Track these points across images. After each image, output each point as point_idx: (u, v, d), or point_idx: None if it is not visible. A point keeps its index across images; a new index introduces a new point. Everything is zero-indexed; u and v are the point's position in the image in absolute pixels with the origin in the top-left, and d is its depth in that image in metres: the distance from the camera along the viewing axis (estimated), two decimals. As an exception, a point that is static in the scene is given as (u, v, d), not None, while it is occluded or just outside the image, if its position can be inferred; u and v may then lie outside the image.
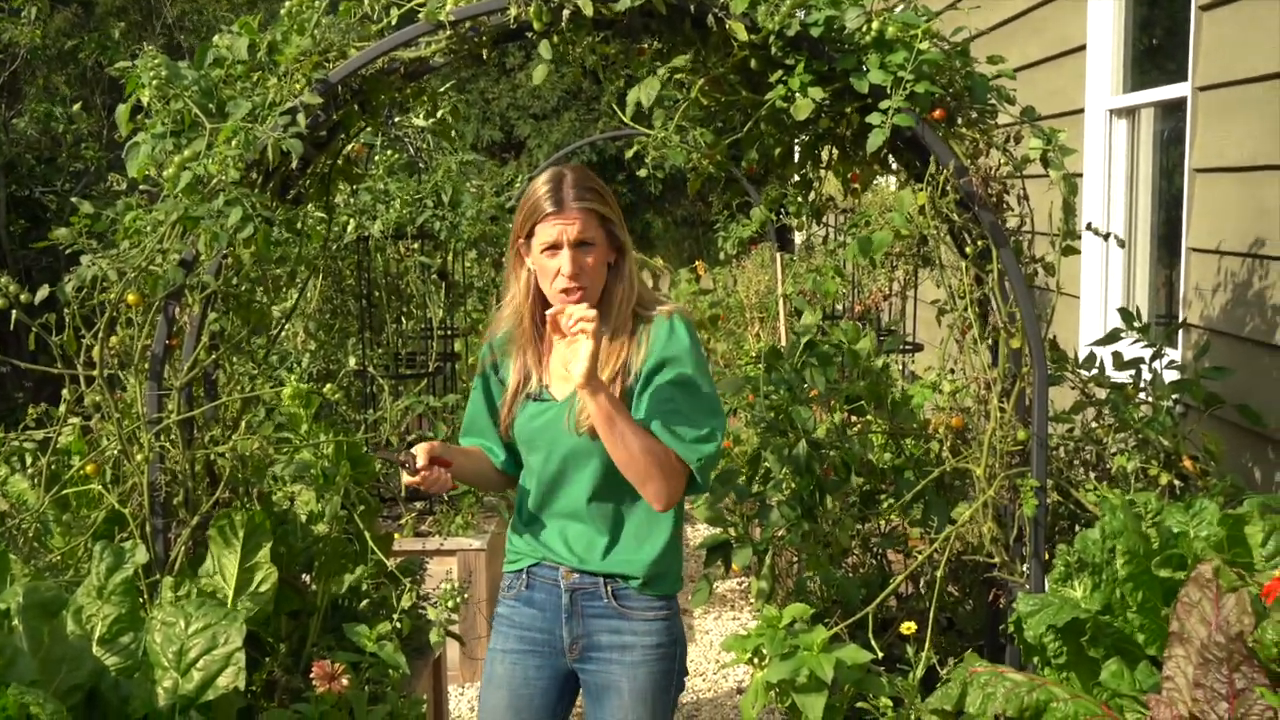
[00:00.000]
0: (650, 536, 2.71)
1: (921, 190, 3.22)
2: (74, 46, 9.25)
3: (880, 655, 2.97)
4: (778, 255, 6.06)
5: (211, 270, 3.30)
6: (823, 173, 3.64)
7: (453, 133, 4.12)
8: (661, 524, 2.71)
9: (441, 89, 3.79)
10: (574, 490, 2.75)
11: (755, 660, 2.85)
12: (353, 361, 5.46)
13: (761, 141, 3.39)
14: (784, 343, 6.17)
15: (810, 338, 4.04)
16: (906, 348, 5.93)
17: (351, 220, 5.61)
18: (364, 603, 3.71)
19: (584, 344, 2.51)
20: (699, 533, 7.59)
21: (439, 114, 3.71)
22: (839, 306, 7.02)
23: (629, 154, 3.41)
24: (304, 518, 3.74)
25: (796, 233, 10.87)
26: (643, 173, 3.37)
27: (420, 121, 5.14)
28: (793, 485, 3.92)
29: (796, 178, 3.69)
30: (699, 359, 2.68)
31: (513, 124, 13.44)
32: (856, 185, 3.59)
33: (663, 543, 2.70)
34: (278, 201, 3.44)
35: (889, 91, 3.08)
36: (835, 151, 3.55)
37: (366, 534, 3.52)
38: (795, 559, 4.02)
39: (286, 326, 5.24)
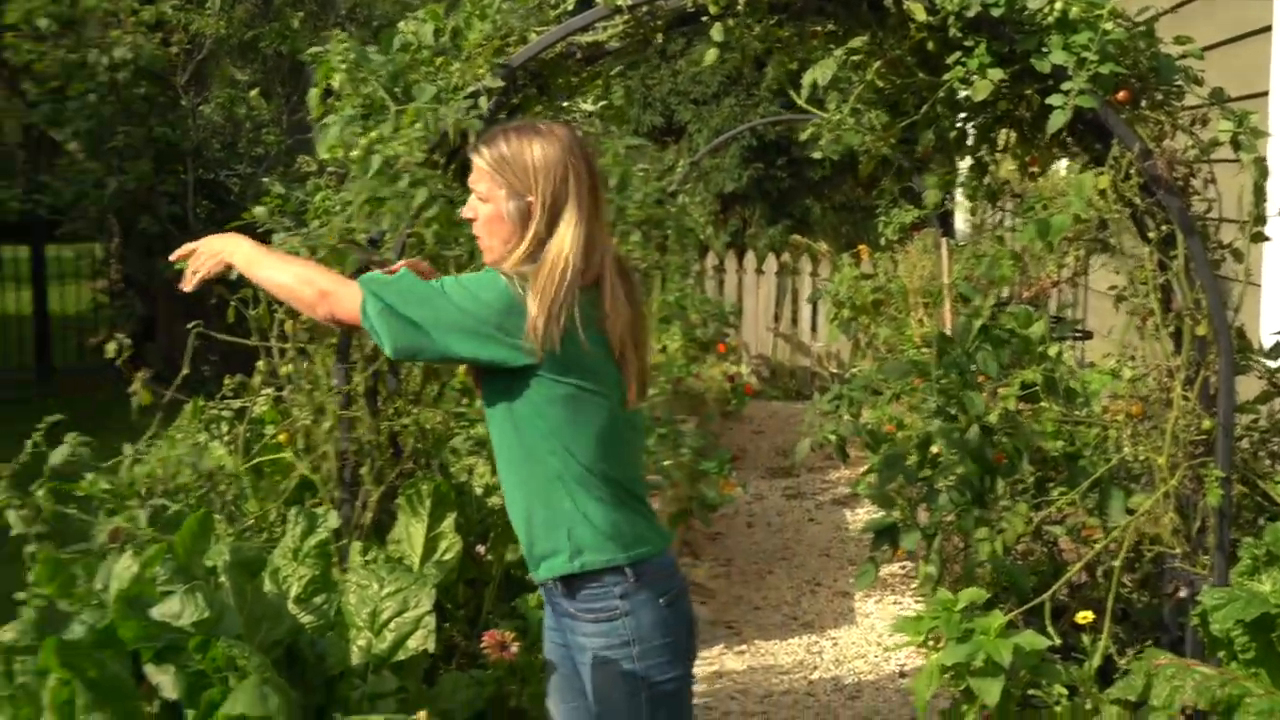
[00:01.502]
0: (538, 510, 2.51)
1: (1103, 173, 3.16)
2: (255, 36, 9.63)
3: (1058, 643, 2.94)
4: (944, 241, 5.98)
5: (396, 249, 3.42)
6: (997, 156, 3.60)
7: (623, 116, 4.18)
8: (535, 492, 2.50)
9: (613, 73, 3.85)
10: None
11: (929, 643, 2.84)
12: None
13: (938, 124, 3.37)
14: (949, 329, 6.10)
15: (983, 321, 3.99)
16: (1077, 335, 5.79)
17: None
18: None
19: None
20: (858, 516, 7.56)
21: (611, 98, 3.77)
22: (1004, 293, 6.89)
23: (803, 135, 3.42)
24: (480, 490, 3.85)
25: (958, 219, 10.68)
26: (817, 154, 3.38)
27: (589, 106, 5.21)
28: (961, 470, 3.89)
29: (971, 161, 3.66)
30: (457, 283, 2.48)
31: (673, 109, 13.49)
32: (1035, 168, 3.55)
33: (540, 511, 2.49)
34: (458, 183, 3.55)
35: (1071, 72, 3.04)
36: (1012, 134, 3.51)
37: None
38: (963, 545, 3.99)
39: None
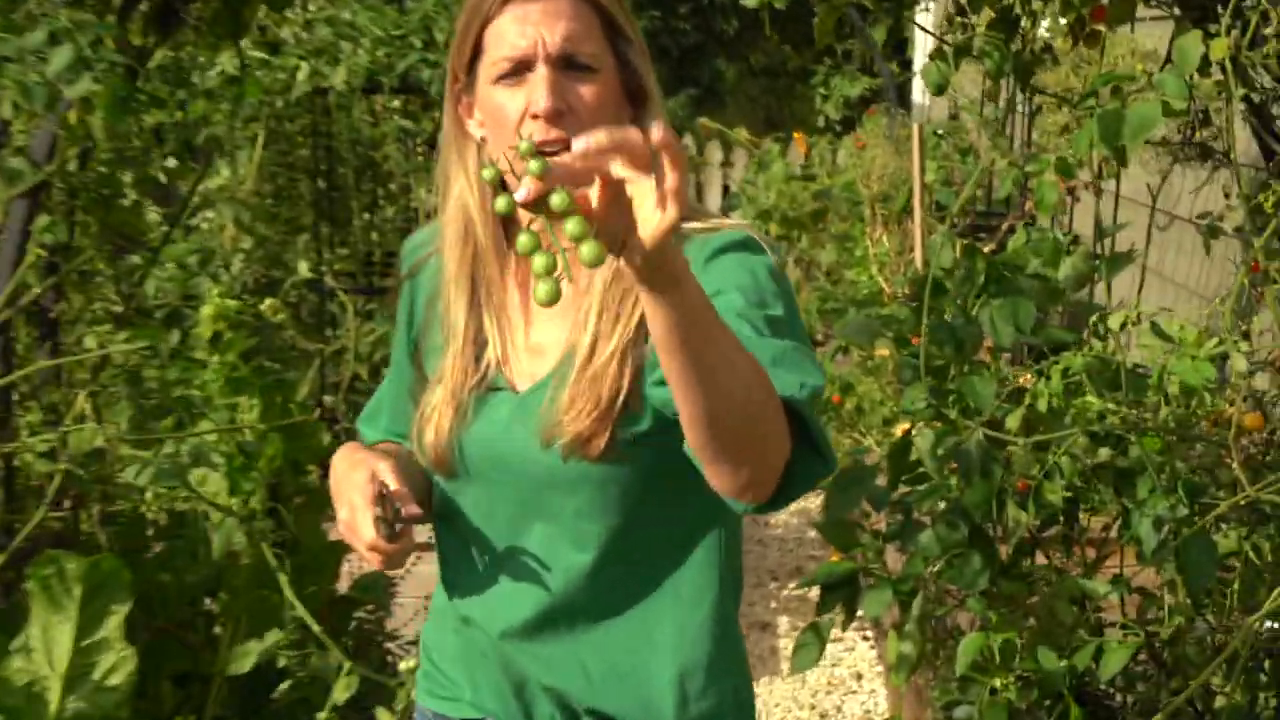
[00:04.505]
0: (705, 646, 1.60)
1: (1216, 36, 2.03)
2: None
3: None
4: (916, 128, 4.51)
5: (41, 152, 2.10)
6: (1036, 7, 2.28)
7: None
8: (705, 619, 1.60)
9: None
10: (561, 557, 1.58)
11: None
12: (304, 267, 4.18)
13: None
14: (918, 250, 4.68)
15: (985, 261, 2.71)
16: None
17: (304, 65, 4.25)
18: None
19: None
20: (779, 514, 6.19)
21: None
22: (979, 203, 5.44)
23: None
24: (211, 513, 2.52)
25: (916, 92, 8.84)
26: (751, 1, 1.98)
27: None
28: (956, 492, 2.59)
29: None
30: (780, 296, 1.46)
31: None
32: (1100, 26, 2.26)
33: (708, 648, 1.60)
34: (153, 37, 2.18)
35: None
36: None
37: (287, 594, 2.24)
38: (955, 601, 2.70)
39: (209, 216, 3.97)
